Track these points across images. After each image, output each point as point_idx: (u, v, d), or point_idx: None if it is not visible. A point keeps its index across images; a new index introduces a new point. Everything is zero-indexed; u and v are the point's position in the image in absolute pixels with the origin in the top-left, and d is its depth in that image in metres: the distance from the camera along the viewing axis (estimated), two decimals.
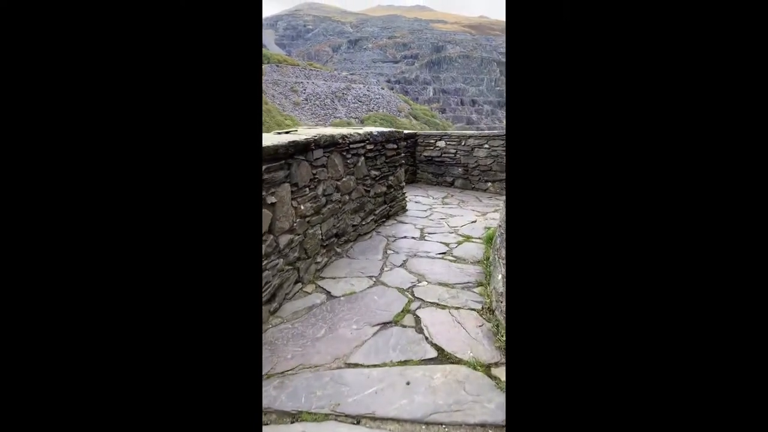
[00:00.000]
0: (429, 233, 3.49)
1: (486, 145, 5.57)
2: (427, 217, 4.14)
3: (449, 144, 5.96)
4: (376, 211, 3.60)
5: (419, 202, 4.95)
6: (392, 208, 3.98)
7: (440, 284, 2.36)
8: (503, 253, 2.23)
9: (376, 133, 3.43)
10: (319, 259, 2.52)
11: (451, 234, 3.49)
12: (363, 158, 3.24)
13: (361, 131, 3.24)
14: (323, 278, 2.43)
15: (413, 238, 3.35)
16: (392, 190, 3.94)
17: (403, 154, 4.14)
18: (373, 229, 3.53)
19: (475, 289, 2.30)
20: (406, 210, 4.36)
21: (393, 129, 3.92)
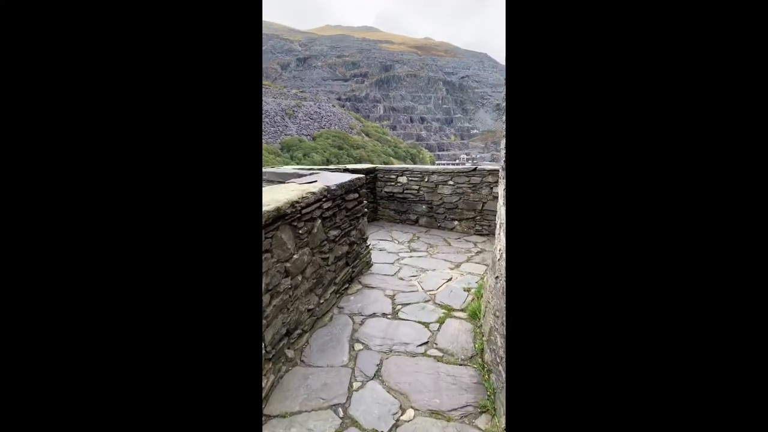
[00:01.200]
0: (402, 304, 2.90)
1: (450, 182, 5.16)
2: (395, 274, 3.56)
3: (411, 180, 5.48)
4: (337, 279, 2.95)
5: (384, 249, 4.36)
6: (356, 268, 3.35)
7: (431, 413, 1.74)
8: (502, 352, 1.71)
9: (334, 187, 2.81)
10: (262, 382, 1.81)
11: (429, 304, 2.92)
12: (319, 221, 2.60)
13: (315, 187, 2.61)
14: (269, 417, 1.71)
15: (384, 315, 2.73)
16: (355, 246, 3.32)
17: (365, 202, 3.56)
18: (335, 305, 2.87)
19: (479, 422, 1.71)
20: (371, 265, 3.75)
21: (354, 176, 3.33)
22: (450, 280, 3.41)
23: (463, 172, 5.06)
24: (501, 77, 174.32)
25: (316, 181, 2.93)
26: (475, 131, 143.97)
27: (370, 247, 3.79)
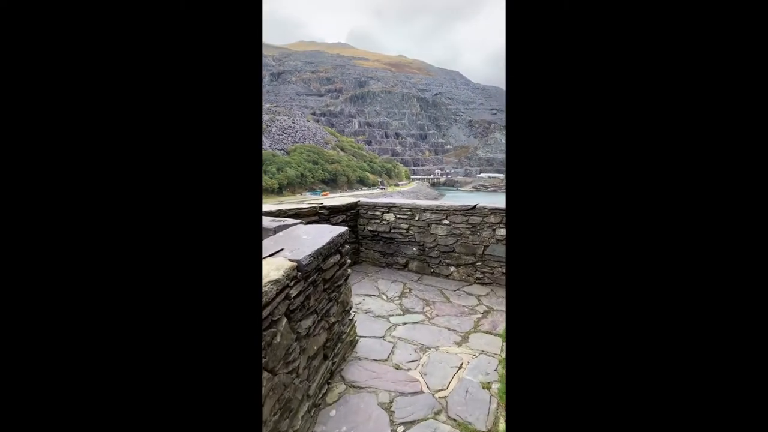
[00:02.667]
0: (404, 423, 2.06)
1: (446, 221, 4.43)
2: (389, 358, 2.72)
3: (400, 217, 4.71)
4: (312, 389, 2.09)
5: (370, 311, 3.52)
6: (337, 356, 2.50)
7: None
8: None
9: (307, 260, 1.98)
10: None
11: (440, 417, 2.10)
12: (284, 321, 1.75)
13: (279, 266, 1.76)
14: None
15: None
16: (336, 326, 2.48)
17: (349, 261, 2.73)
18: (309, 431, 2.00)
19: None
20: (357, 343, 2.90)
21: (335, 232, 2.50)
22: (461, 367, 2.61)
23: (460, 211, 4.34)
24: (472, 94, 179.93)
25: (281, 249, 2.08)
26: (448, 146, 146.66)
27: (354, 317, 2.95)
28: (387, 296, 3.92)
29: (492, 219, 4.16)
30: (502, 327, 3.21)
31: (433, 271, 4.58)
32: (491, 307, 3.65)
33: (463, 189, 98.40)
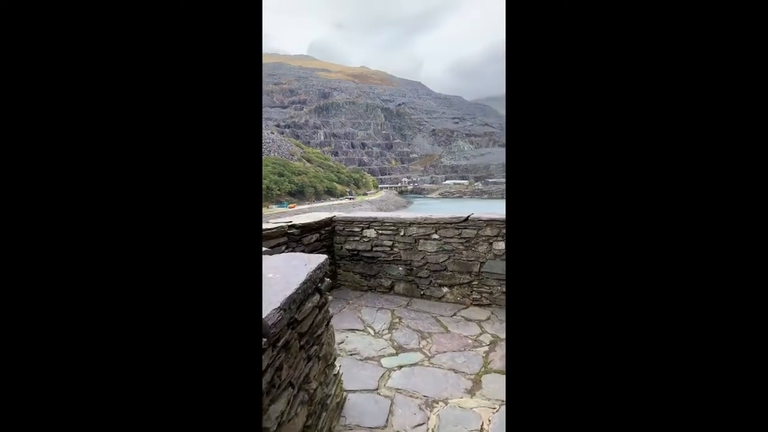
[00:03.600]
0: None
1: (435, 236, 3.89)
2: (387, 424, 2.10)
3: (382, 233, 4.12)
4: None
5: (356, 352, 2.89)
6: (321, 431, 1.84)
7: None
8: None
9: (274, 319, 1.33)
10: None
11: None
12: None
13: None
14: None
15: None
16: (318, 390, 1.83)
17: (330, 299, 2.10)
18: None
19: None
20: (345, 401, 2.25)
21: (313, 268, 1.87)
22: (482, 430, 2.03)
23: (451, 223, 3.82)
24: (434, 104, 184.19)
25: None
26: (414, 155, 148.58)
27: (339, 368, 2.30)
28: (374, 329, 3.30)
29: (488, 231, 3.67)
30: None
31: (424, 294, 4.01)
32: (497, 335, 3.12)
33: (430, 196, 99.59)
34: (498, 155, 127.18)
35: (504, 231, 3.59)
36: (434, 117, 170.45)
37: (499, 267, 3.65)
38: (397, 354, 2.87)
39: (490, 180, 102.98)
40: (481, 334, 3.18)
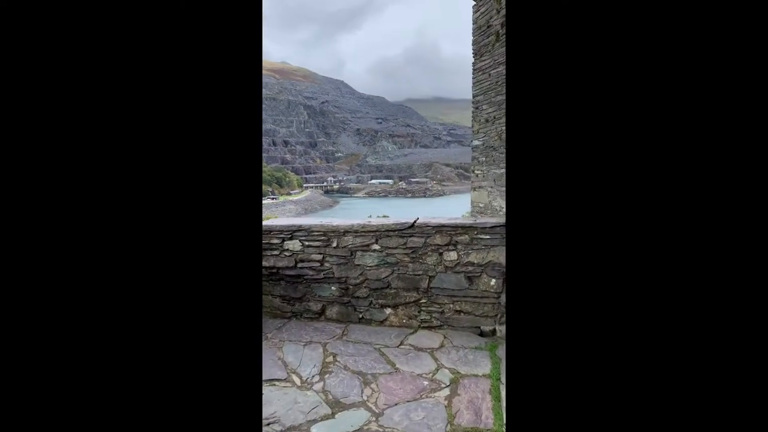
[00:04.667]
0: None
1: (375, 246, 3.19)
2: None
3: (309, 245, 3.29)
4: None
5: (277, 421, 2.04)
6: None
7: None
8: None
9: None
10: None
11: None
12: None
13: None
14: None
15: None
16: None
17: None
18: None
19: None
20: None
21: None
22: None
23: (394, 231, 3.15)
24: (358, 104, 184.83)
25: None
26: (339, 154, 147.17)
27: None
28: (301, 377, 2.47)
29: (438, 240, 3.08)
30: (486, 409, 2.10)
31: (362, 318, 3.28)
32: (456, 370, 2.53)
33: (356, 195, 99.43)
34: (419, 155, 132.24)
35: (456, 239, 3.04)
36: (358, 116, 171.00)
37: (452, 281, 3.09)
38: (333, 415, 2.10)
39: (413, 180, 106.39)
40: (437, 370, 2.56)
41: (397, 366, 2.61)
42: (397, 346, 2.89)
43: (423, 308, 3.18)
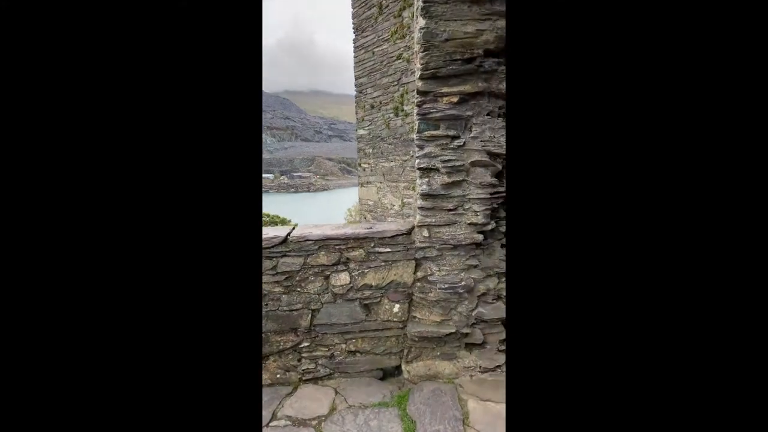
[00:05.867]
0: None
1: None
2: None
3: None
4: None
5: None
6: None
7: None
8: None
9: None
10: None
11: None
12: None
13: None
14: None
15: None
16: None
17: None
18: None
19: None
20: None
21: None
22: None
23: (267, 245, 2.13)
24: None
25: None
26: None
27: None
28: None
29: (323, 259, 2.21)
30: None
31: None
32: None
33: None
34: (300, 149, 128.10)
35: (347, 255, 2.22)
36: None
37: (343, 313, 2.26)
38: None
39: (295, 174, 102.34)
40: None
41: None
42: (267, 424, 1.92)
43: (305, 354, 2.28)
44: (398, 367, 2.36)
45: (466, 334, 2.28)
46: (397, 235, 2.23)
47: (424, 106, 2.05)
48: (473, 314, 2.26)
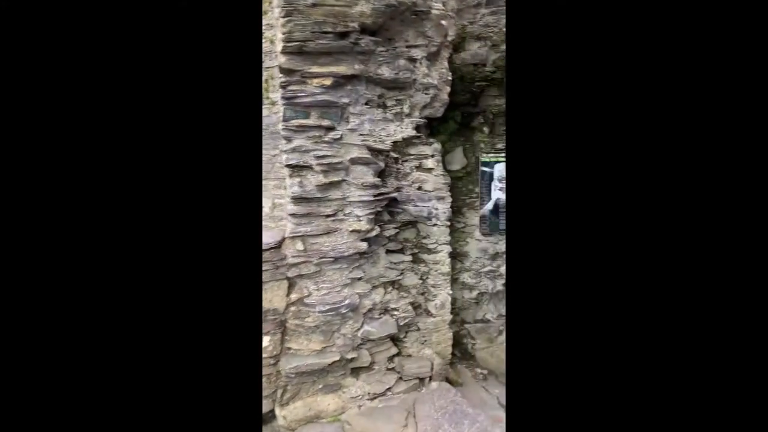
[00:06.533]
0: None
1: None
2: None
3: None
4: None
5: None
6: None
7: None
8: None
9: None
10: None
11: None
12: None
13: None
14: None
15: None
16: None
17: None
18: None
19: None
20: None
21: None
22: None
23: None
24: None
25: None
26: None
27: None
28: None
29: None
30: None
31: None
32: None
33: None
34: None
35: None
36: None
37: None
38: None
39: None
40: None
41: None
42: None
43: None
44: (271, 412, 1.91)
45: (352, 359, 1.96)
46: (268, 249, 1.77)
47: (290, 88, 1.65)
48: (359, 334, 1.96)
